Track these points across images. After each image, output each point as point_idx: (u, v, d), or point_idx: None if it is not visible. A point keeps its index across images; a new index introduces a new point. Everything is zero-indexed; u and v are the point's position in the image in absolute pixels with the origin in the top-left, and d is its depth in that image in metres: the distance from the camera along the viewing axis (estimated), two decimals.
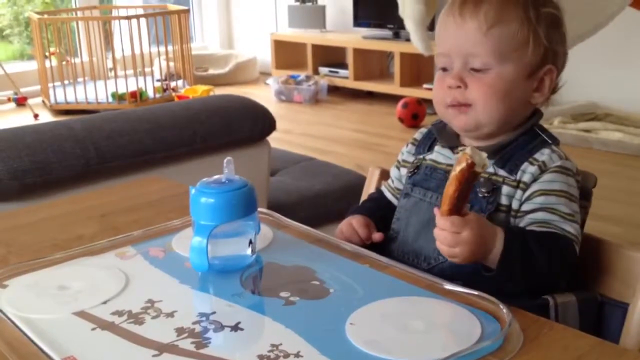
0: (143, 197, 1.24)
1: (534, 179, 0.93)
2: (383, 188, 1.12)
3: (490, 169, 0.96)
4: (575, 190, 0.94)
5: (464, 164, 0.79)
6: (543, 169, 0.93)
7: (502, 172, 0.95)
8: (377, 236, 1.02)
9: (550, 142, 0.96)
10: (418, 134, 1.09)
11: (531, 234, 0.90)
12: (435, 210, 0.86)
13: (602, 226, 2.67)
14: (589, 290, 0.97)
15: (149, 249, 0.99)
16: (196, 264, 0.88)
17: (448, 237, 0.85)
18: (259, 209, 1.05)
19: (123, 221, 1.12)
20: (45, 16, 5.17)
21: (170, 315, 0.80)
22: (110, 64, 5.45)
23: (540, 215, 0.92)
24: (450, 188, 0.82)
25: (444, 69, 0.98)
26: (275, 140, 2.20)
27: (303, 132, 4.45)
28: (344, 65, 5.42)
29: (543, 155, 0.94)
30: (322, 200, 2.25)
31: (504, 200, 0.94)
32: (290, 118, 4.80)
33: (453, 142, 1.01)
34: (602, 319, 0.96)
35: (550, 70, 0.96)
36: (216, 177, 0.91)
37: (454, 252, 0.86)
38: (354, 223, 1.02)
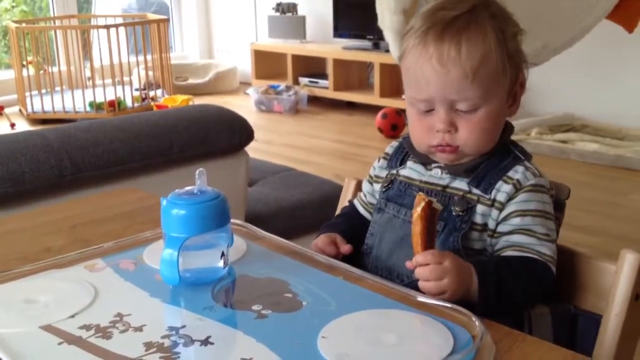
0: (115, 209, 1.22)
1: (510, 198, 0.93)
2: (355, 202, 1.11)
3: (465, 187, 0.95)
4: (550, 207, 0.94)
5: (423, 204, 0.83)
6: (518, 187, 0.93)
7: (476, 191, 0.94)
8: (345, 248, 1.00)
9: (523, 158, 0.96)
10: (389, 148, 1.08)
11: (505, 265, 0.90)
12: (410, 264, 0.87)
13: (578, 237, 2.69)
14: (562, 302, 0.97)
15: (120, 261, 0.97)
16: (167, 277, 0.87)
17: (433, 270, 0.83)
18: (233, 221, 1.04)
19: (94, 233, 1.10)
20: (23, 25, 5.12)
21: (139, 329, 0.78)
22: (88, 73, 5.40)
23: (516, 238, 0.92)
24: (417, 228, 0.85)
25: (427, 111, 0.94)
26: (255, 150, 2.20)
27: (283, 142, 4.44)
28: (324, 76, 5.43)
29: (517, 173, 0.94)
30: (300, 210, 2.24)
31: (478, 219, 0.94)
32: (270, 128, 4.79)
33: (425, 159, 1.00)
34: (575, 331, 0.96)
35: (521, 83, 0.96)
36: (188, 188, 0.90)
37: (442, 285, 0.83)
38: (319, 244, 1.01)
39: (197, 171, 0.90)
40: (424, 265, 0.84)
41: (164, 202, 0.88)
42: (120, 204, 1.25)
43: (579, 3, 3.58)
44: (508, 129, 0.99)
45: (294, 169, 2.63)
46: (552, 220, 0.93)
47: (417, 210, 0.84)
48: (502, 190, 0.93)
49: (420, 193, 0.84)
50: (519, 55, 0.95)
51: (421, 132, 0.95)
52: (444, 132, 0.93)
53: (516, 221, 0.92)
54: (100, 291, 0.88)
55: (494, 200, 0.93)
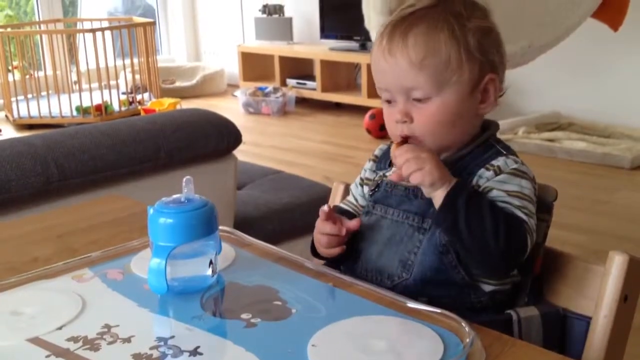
0: (102, 217, 1.21)
1: (488, 181, 0.93)
2: (344, 206, 1.11)
3: None
4: (529, 192, 0.93)
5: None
6: (498, 172, 0.93)
7: None
8: (353, 224, 0.99)
9: (505, 152, 0.96)
10: (378, 150, 1.08)
11: (487, 196, 0.91)
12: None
13: (566, 235, 2.70)
14: (552, 304, 0.97)
15: (107, 271, 0.96)
16: (154, 286, 0.86)
17: (412, 161, 0.89)
18: (221, 228, 1.04)
19: (81, 242, 1.09)
20: (9, 29, 5.09)
21: (127, 340, 0.78)
22: (75, 77, 5.37)
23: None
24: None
25: (389, 101, 0.98)
26: (243, 153, 2.19)
27: (271, 144, 4.43)
28: (311, 77, 5.43)
29: (498, 161, 0.94)
30: (289, 213, 2.24)
31: None
32: (259, 130, 4.78)
33: None
34: (565, 333, 0.96)
35: (491, 79, 0.96)
36: (175, 196, 0.89)
37: (422, 172, 0.89)
38: (318, 236, 1.00)
39: (184, 179, 0.89)
40: (404, 162, 0.90)
41: (151, 211, 0.88)
42: (106, 212, 1.24)
43: (564, 2, 3.60)
44: (492, 126, 1.00)
45: (282, 171, 2.63)
46: (531, 203, 0.92)
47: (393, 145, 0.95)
48: (483, 176, 0.93)
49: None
50: (486, 53, 0.95)
51: (389, 124, 0.99)
52: (401, 123, 0.96)
53: (492, 194, 0.92)
54: (87, 302, 0.88)
55: (475, 185, 0.93)
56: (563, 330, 0.96)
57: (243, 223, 2.13)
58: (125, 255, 1.01)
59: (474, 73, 0.95)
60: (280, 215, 2.22)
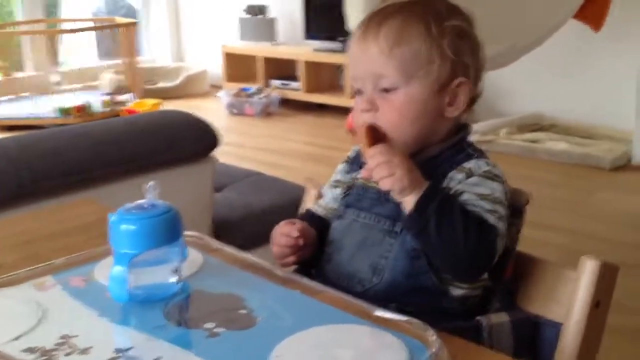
0: (71, 222, 1.19)
1: (460, 183, 0.92)
2: (315, 209, 1.09)
3: None
4: (500, 195, 0.92)
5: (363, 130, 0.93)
6: (470, 175, 0.92)
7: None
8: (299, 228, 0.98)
9: (476, 155, 0.95)
10: (351, 152, 1.07)
11: (457, 201, 0.90)
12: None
13: (547, 236, 2.70)
14: (523, 310, 0.96)
15: (70, 278, 0.94)
16: (116, 295, 0.84)
17: (383, 166, 0.89)
18: (189, 233, 1.02)
19: (47, 248, 1.07)
20: None
21: (85, 351, 0.76)
22: (56, 78, 5.32)
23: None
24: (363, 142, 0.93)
25: (359, 91, 0.98)
26: (226, 154, 2.16)
27: (255, 145, 4.41)
28: (295, 78, 5.41)
29: (470, 163, 0.93)
30: (269, 216, 2.21)
31: None
32: (242, 131, 4.76)
33: None
34: (536, 339, 0.95)
35: (462, 83, 0.95)
36: (138, 202, 0.87)
37: (392, 179, 0.88)
38: (275, 250, 0.99)
39: (148, 185, 0.87)
40: (375, 165, 0.89)
41: (112, 217, 0.86)
42: (75, 217, 1.21)
43: (546, 3, 3.61)
44: (464, 129, 0.99)
45: (263, 173, 2.61)
46: (502, 206, 0.91)
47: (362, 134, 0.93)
48: (454, 178, 0.93)
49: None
50: (459, 55, 0.95)
51: (355, 113, 0.99)
52: (366, 112, 0.95)
53: (463, 197, 0.91)
54: (47, 311, 0.85)
55: (446, 187, 0.92)
56: (534, 337, 0.95)
57: (222, 225, 2.11)
58: (90, 262, 0.98)
59: (444, 72, 0.94)
60: (259, 218, 2.20)
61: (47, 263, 0.98)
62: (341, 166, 1.08)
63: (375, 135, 0.93)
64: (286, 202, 2.28)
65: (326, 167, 3.96)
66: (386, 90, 0.94)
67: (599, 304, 0.90)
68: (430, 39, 0.93)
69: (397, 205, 0.92)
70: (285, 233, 0.98)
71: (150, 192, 0.87)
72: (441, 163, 0.95)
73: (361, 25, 0.97)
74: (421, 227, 0.89)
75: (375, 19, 0.96)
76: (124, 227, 0.84)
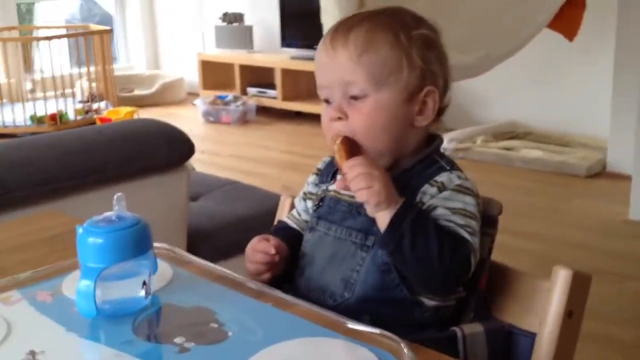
0: (37, 234, 1.16)
1: (433, 197, 0.92)
2: (288, 220, 1.08)
3: None
4: (473, 208, 0.91)
5: (338, 141, 0.92)
6: (442, 189, 0.92)
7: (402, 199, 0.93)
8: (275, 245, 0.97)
9: (448, 168, 0.94)
10: (321, 163, 1.06)
11: (431, 217, 0.90)
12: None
13: (522, 243, 2.71)
14: (498, 320, 0.96)
15: (37, 292, 0.92)
16: (83, 310, 0.82)
17: (362, 177, 0.87)
18: (160, 245, 1.00)
19: (12, 261, 1.04)
20: None
21: None
22: (29, 86, 5.25)
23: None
24: (339, 155, 0.92)
25: (327, 101, 0.97)
26: (202, 162, 2.14)
27: (231, 153, 4.39)
28: (272, 86, 5.40)
29: (442, 177, 0.93)
30: (244, 224, 2.19)
31: None
32: (218, 139, 4.74)
33: None
34: (511, 350, 0.94)
35: (430, 92, 0.95)
36: (106, 214, 0.85)
37: (370, 191, 0.87)
38: (249, 267, 0.98)
39: (115, 196, 0.85)
40: (354, 177, 0.88)
41: (80, 230, 0.84)
42: (42, 229, 1.19)
43: (520, 13, 3.64)
44: (435, 140, 0.98)
45: (239, 182, 2.59)
46: (475, 220, 0.91)
47: (336, 147, 0.92)
48: (427, 192, 0.92)
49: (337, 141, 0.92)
50: (428, 63, 0.94)
51: (324, 124, 0.97)
52: (336, 121, 0.94)
53: (437, 212, 0.90)
54: (13, 326, 0.83)
55: (419, 202, 0.92)
56: (509, 347, 0.94)
57: (197, 235, 2.08)
58: (57, 276, 0.96)
59: (413, 80, 0.94)
60: (235, 227, 2.18)
61: (12, 277, 0.95)
62: (311, 178, 1.06)
63: (352, 147, 0.92)
64: (262, 211, 2.26)
65: (303, 175, 3.93)
66: (355, 98, 0.93)
67: (572, 314, 0.90)
68: (398, 47, 0.93)
69: (369, 219, 0.91)
70: (261, 250, 0.97)
71: (118, 203, 0.85)
72: (414, 176, 0.94)
73: (328, 34, 0.96)
74: (395, 245, 0.88)
75: (342, 27, 0.95)
76: (91, 240, 0.82)
